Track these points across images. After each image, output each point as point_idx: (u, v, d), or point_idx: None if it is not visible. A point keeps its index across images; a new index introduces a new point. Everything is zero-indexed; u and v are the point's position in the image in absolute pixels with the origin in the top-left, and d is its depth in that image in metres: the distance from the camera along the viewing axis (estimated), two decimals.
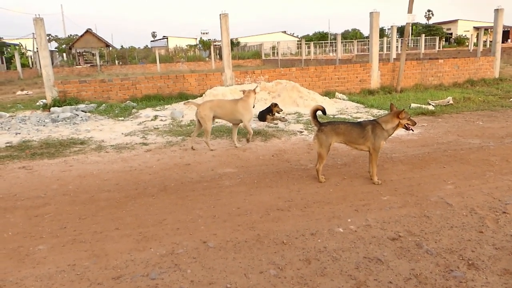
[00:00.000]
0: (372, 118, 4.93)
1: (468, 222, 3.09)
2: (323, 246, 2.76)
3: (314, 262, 2.57)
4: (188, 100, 6.01)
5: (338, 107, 8.92)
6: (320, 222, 3.15)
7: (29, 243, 3.00)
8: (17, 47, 38.88)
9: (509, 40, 49.13)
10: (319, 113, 4.10)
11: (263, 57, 39.81)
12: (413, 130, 4.26)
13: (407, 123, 3.98)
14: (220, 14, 10.31)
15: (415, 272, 2.42)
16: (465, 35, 54.79)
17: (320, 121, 4.07)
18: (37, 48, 9.97)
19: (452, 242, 2.77)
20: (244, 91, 5.82)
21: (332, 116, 7.80)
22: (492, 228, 2.97)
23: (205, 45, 48.34)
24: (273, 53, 40.93)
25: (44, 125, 7.83)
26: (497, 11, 12.34)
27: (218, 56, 36.47)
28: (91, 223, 3.33)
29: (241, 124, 5.75)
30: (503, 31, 12.99)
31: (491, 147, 5.28)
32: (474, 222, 3.09)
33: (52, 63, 12.37)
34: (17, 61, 29.50)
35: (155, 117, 8.22)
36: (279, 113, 7.43)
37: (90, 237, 3.07)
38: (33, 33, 12.77)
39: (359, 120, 7.37)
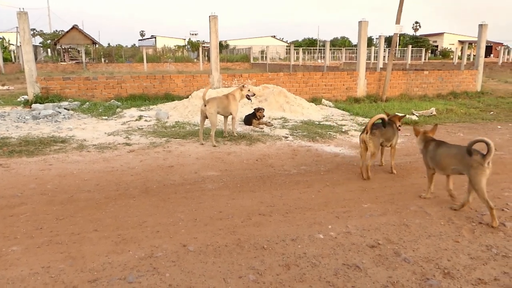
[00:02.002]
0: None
1: (446, 231, 3.15)
2: (303, 252, 2.77)
3: (294, 268, 2.58)
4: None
5: (324, 114, 9.00)
6: (301, 228, 3.16)
7: (2, 243, 2.92)
8: None
9: (491, 55, 50.58)
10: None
11: (252, 61, 39.89)
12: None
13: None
14: (209, 16, 10.30)
15: (392, 280, 2.45)
16: (450, 48, 56.23)
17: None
18: (20, 43, 9.74)
19: (429, 251, 2.81)
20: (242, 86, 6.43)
21: (317, 123, 7.86)
22: (468, 238, 3.04)
23: (194, 46, 48.23)
24: (262, 57, 41.07)
25: (24, 122, 7.65)
26: (481, 26, 12.69)
27: (206, 58, 36.34)
28: (68, 224, 3.26)
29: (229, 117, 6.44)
30: (486, 46, 13.36)
31: None
32: (451, 231, 3.14)
33: (36, 59, 12.11)
34: None
35: (140, 117, 8.13)
36: (261, 118, 7.47)
37: (67, 238, 3.00)
38: (16, 27, 12.53)
39: (344, 127, 7.46)
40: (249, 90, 6.21)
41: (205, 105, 5.95)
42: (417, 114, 8.97)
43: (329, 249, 2.82)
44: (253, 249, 2.82)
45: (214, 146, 5.90)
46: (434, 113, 9.08)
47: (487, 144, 3.13)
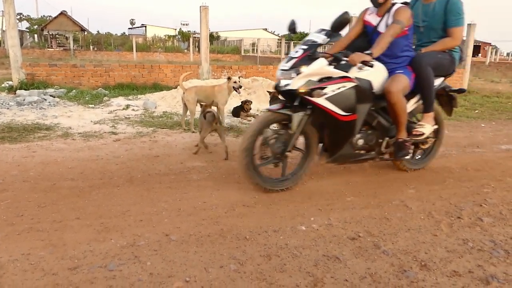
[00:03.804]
0: None
1: (425, 225, 3.22)
2: (284, 243, 2.81)
3: (275, 258, 2.61)
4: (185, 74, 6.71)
5: None
6: (283, 220, 3.19)
7: None
8: None
9: (479, 55, 51.27)
10: None
11: (243, 53, 39.68)
12: None
13: None
14: (200, 7, 10.21)
15: (371, 271, 2.50)
16: None
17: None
18: (5, 27, 9.51)
19: (408, 244, 2.88)
20: (229, 78, 6.41)
21: None
22: (446, 232, 3.11)
23: (184, 36, 47.74)
24: (253, 49, 40.91)
25: (8, 108, 7.51)
26: (469, 26, 12.83)
27: (196, 49, 36.00)
28: (50, 211, 3.23)
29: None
30: (474, 45, 13.55)
31: (453, 155, 5.51)
32: (430, 225, 3.22)
33: (22, 44, 11.79)
34: None
35: (127, 106, 8.06)
36: (249, 110, 7.47)
37: (49, 226, 2.98)
38: (1, 11, 12.18)
39: None
40: (235, 82, 6.19)
41: (183, 93, 6.16)
42: None
43: (311, 241, 2.86)
44: (236, 239, 2.84)
45: (193, 132, 6.08)
46: None
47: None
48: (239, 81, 6.27)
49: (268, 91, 7.21)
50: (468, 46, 13.04)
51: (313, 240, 2.87)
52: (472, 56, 13.87)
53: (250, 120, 7.30)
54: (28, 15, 61.28)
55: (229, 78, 6.33)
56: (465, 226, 3.22)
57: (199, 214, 3.24)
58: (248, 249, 2.71)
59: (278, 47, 43.82)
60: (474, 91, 13.20)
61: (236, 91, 6.30)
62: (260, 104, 8.47)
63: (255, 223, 3.10)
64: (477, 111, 9.63)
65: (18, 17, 53.18)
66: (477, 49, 50.01)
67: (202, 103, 5.60)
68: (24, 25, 56.35)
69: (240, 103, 7.55)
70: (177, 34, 52.50)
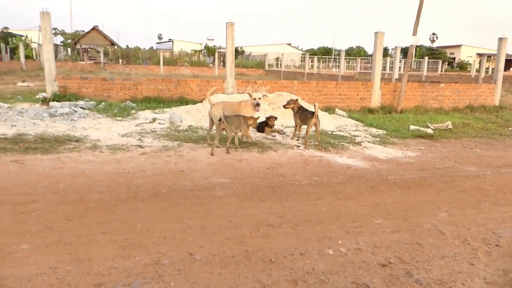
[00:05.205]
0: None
1: (460, 253, 3.04)
2: (311, 268, 2.71)
3: (301, 283, 2.52)
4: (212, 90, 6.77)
5: (337, 124, 8.91)
6: (310, 242, 3.10)
7: (13, 241, 2.93)
8: (22, 38, 38.91)
9: (511, 69, 49.59)
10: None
11: (267, 68, 39.98)
12: None
13: None
14: (226, 23, 10.35)
15: None
16: (468, 61, 55.34)
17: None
18: (42, 41, 9.96)
19: (443, 273, 2.72)
20: (249, 94, 6.47)
21: (330, 133, 7.78)
22: (484, 261, 2.93)
23: (210, 51, 48.61)
24: (277, 64, 41.13)
25: (41, 119, 7.78)
26: (501, 39, 12.45)
27: (222, 63, 36.57)
28: (78, 224, 3.26)
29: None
30: (505, 59, 13.09)
31: (488, 176, 5.26)
32: (467, 253, 3.04)
33: (56, 57, 12.36)
34: (21, 52, 29.49)
35: (154, 119, 8.19)
36: (273, 126, 7.43)
37: (76, 239, 3.00)
38: (39, 26, 12.78)
39: (357, 138, 7.36)
40: (254, 99, 6.18)
41: (211, 108, 6.21)
42: (432, 127, 8.81)
43: (339, 266, 2.75)
44: (261, 261, 2.77)
45: (218, 147, 6.06)
46: (450, 126, 8.90)
47: None
48: (260, 98, 6.23)
49: (283, 106, 7.13)
50: (500, 60, 12.64)
51: (341, 266, 2.76)
52: (504, 71, 13.38)
53: (274, 136, 7.25)
54: (62, 30, 64.31)
55: (250, 94, 6.32)
56: (504, 255, 3.03)
57: (223, 233, 3.19)
58: (273, 273, 2.63)
59: (301, 61, 43.90)
60: (507, 107, 12.71)
61: (255, 108, 6.23)
62: (285, 120, 8.42)
63: (281, 245, 3.02)
64: (510, 128, 9.23)
65: (54, 32, 55.86)
66: (508, 63, 48.43)
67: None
68: (59, 39, 59.10)
69: (265, 119, 7.53)
70: (203, 48, 53.58)
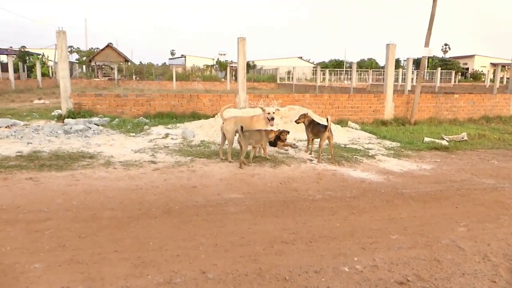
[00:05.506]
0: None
1: (481, 269, 2.94)
2: (326, 286, 2.64)
3: None
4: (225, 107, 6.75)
5: (350, 137, 8.84)
6: (325, 259, 3.03)
7: (26, 259, 2.95)
8: (39, 56, 40.10)
9: None
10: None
11: (278, 81, 40.20)
12: None
13: None
14: (238, 38, 10.47)
15: None
16: (482, 71, 54.64)
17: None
18: (57, 59, 10.22)
19: None
20: (262, 109, 6.56)
21: (343, 146, 7.71)
22: (505, 278, 2.82)
23: (222, 66, 49.23)
24: (288, 77, 41.34)
25: (56, 136, 7.92)
26: None
27: (233, 78, 36.94)
28: (90, 242, 3.27)
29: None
30: None
31: (506, 189, 5.11)
32: (487, 270, 2.93)
33: (71, 74, 12.67)
34: (38, 70, 30.38)
35: (166, 135, 8.25)
36: (285, 140, 7.40)
37: (88, 258, 3.00)
38: (55, 44, 13.19)
39: (370, 151, 7.27)
40: (268, 113, 6.23)
41: (223, 123, 6.25)
42: (447, 139, 8.65)
43: (355, 284, 2.67)
44: (275, 280, 2.71)
45: (230, 161, 6.12)
46: (465, 138, 8.73)
47: None
48: (274, 113, 6.28)
49: (295, 121, 7.12)
50: None
51: (358, 284, 2.68)
52: None
53: (287, 150, 7.22)
54: (78, 48, 66.00)
55: (263, 109, 6.36)
56: None
57: (236, 251, 3.15)
58: None
59: (313, 74, 44.04)
60: None
61: (269, 122, 6.26)
62: (297, 133, 8.39)
63: (295, 262, 2.96)
64: None
65: (69, 49, 57.43)
66: None
67: (237, 132, 5.81)
68: (74, 56, 60.68)
69: (277, 133, 7.50)
70: (214, 63, 54.29)
